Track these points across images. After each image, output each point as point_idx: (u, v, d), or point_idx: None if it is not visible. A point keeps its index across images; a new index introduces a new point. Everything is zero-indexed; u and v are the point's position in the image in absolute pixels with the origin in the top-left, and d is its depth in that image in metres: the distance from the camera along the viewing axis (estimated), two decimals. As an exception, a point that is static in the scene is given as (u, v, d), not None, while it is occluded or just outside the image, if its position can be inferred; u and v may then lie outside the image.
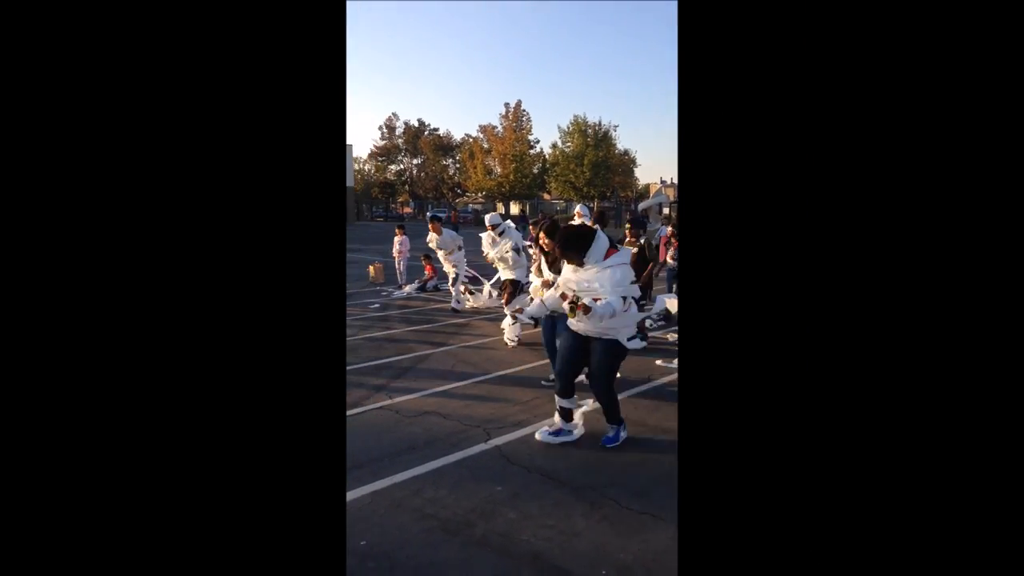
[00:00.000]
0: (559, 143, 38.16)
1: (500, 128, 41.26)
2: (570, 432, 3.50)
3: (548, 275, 4.08)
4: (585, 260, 3.14)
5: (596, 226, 3.60)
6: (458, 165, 49.99)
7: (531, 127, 40.25)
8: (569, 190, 37.53)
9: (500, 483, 2.92)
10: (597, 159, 36.06)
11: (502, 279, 6.68)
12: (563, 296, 3.33)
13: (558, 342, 3.58)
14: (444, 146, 51.66)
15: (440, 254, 8.22)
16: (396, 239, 10.82)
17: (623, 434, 3.46)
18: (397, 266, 10.82)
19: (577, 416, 3.65)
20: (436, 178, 51.10)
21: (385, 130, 53.31)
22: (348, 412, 3.99)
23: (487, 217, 6.75)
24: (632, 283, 3.25)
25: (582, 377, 3.63)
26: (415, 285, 10.19)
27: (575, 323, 3.31)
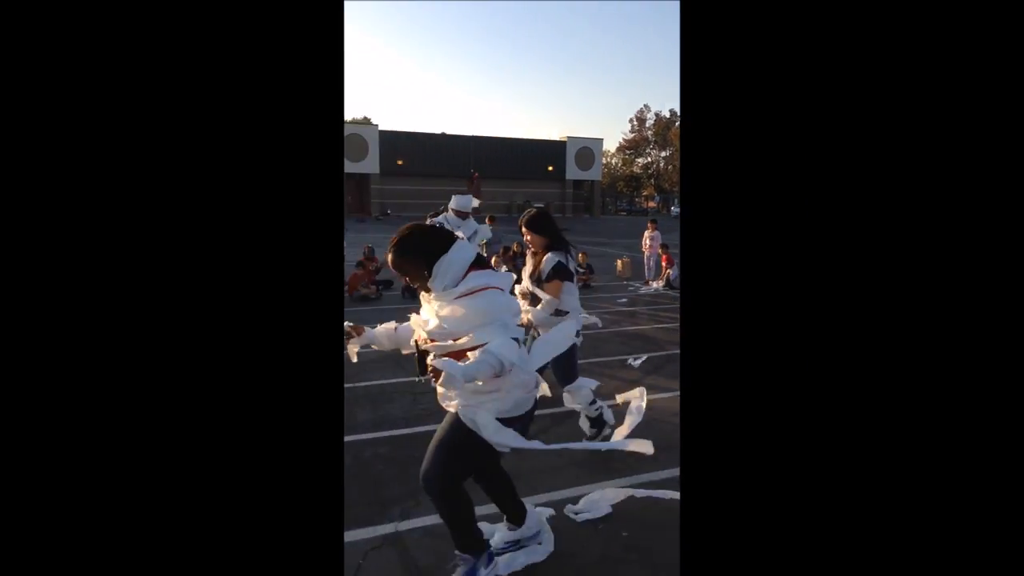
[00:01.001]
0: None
1: (760, 117, 38.30)
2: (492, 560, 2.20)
3: (526, 284, 3.36)
4: (431, 281, 1.99)
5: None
6: (709, 157, 47.80)
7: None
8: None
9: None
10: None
11: None
12: (415, 346, 2.07)
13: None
14: (695, 138, 49.81)
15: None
16: (647, 233, 10.79)
17: (484, 572, 2.15)
18: (646, 261, 10.82)
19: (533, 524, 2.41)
20: (684, 171, 49.58)
21: (635, 122, 53.43)
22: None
23: (453, 200, 4.87)
24: (516, 324, 2.05)
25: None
26: (662, 283, 10.06)
27: (440, 389, 2.03)
